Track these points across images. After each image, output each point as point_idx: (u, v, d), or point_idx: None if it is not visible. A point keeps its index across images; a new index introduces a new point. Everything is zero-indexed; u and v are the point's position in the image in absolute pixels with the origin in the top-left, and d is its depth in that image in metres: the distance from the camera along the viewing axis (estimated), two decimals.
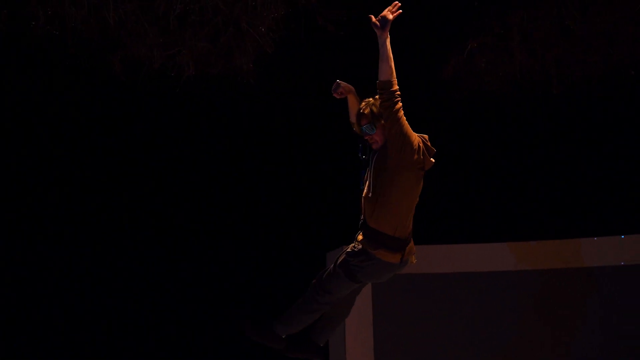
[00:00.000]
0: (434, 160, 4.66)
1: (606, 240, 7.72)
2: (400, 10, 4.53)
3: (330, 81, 4.92)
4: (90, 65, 7.23)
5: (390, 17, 4.49)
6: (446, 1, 7.91)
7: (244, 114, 8.30)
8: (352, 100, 4.87)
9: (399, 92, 4.50)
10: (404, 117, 4.52)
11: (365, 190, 4.65)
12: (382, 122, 4.54)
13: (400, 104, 4.50)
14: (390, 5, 4.55)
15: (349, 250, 4.67)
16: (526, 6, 7.63)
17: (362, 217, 4.69)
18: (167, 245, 8.33)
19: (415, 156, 4.56)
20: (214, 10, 6.80)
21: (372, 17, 4.51)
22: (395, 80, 4.49)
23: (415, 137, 4.58)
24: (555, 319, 7.68)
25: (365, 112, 4.61)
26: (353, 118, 4.85)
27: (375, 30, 4.48)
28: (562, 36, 7.78)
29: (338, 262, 4.69)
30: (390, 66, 4.47)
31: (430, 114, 8.30)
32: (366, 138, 4.66)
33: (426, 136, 4.69)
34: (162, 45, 7.07)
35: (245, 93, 7.69)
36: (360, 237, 4.63)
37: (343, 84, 4.86)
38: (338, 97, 4.87)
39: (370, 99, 4.67)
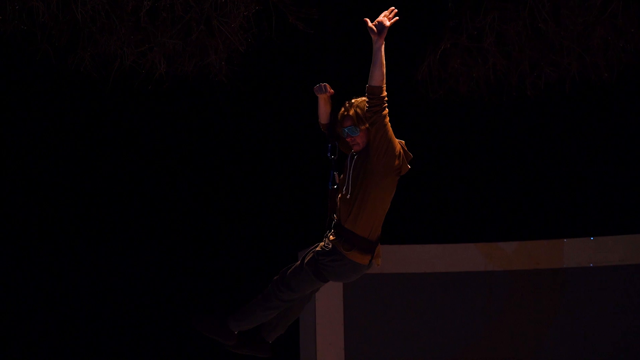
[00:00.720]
0: (410, 166, 4.72)
1: (576, 242, 7.75)
2: (397, 17, 4.55)
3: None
4: (60, 62, 7.16)
5: (388, 23, 4.51)
6: (420, 2, 7.90)
7: (216, 112, 8.26)
8: (324, 101, 4.84)
9: (387, 98, 4.56)
10: (389, 123, 4.58)
11: (342, 192, 4.68)
12: (367, 125, 4.58)
13: (387, 109, 4.56)
14: (380, 10, 4.57)
15: (318, 249, 4.70)
16: (499, 8, 7.63)
17: (335, 218, 4.72)
18: (138, 241, 8.27)
19: (397, 162, 4.63)
20: (184, 8, 6.76)
21: (368, 21, 4.53)
22: (385, 86, 4.55)
23: (397, 143, 4.65)
24: (524, 319, 7.70)
25: (350, 113, 4.66)
26: (324, 119, 4.86)
27: (372, 35, 4.51)
28: (534, 38, 7.80)
29: (306, 260, 4.72)
30: (383, 72, 4.51)
31: (405, 114, 8.31)
32: (347, 140, 4.70)
33: (403, 142, 4.75)
34: (132, 42, 7.01)
35: (218, 90, 7.65)
36: (332, 237, 4.67)
37: (329, 87, 4.83)
38: (318, 94, 4.83)
39: (354, 101, 4.72)
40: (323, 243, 4.71)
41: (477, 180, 8.58)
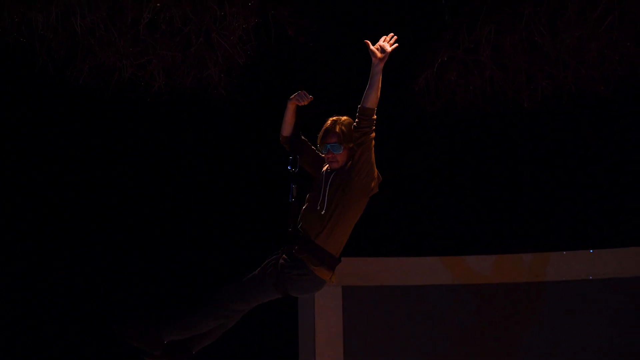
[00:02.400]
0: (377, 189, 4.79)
1: (551, 256, 7.82)
2: (397, 44, 4.62)
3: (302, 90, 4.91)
4: (59, 74, 7.17)
5: (389, 49, 4.58)
6: (417, 14, 7.95)
7: (215, 124, 8.27)
8: (293, 111, 4.85)
9: (376, 121, 4.64)
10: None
11: (313, 207, 4.66)
12: (351, 145, 4.64)
13: (374, 132, 4.64)
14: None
15: (282, 261, 4.64)
16: (495, 21, 7.68)
17: (301, 231, 4.68)
18: (123, 249, 8.24)
19: (373, 183, 4.70)
20: (183, 20, 6.79)
21: (369, 43, 4.60)
22: (376, 109, 4.62)
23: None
24: (498, 332, 7.74)
25: (336, 130, 4.67)
26: (287, 130, 4.86)
27: (373, 58, 4.58)
28: (531, 51, 7.85)
29: (267, 271, 4.65)
30: (378, 96, 4.59)
31: (402, 128, 8.35)
32: (327, 156, 4.71)
33: None
34: (132, 54, 7.03)
35: (216, 103, 7.67)
36: (299, 251, 4.63)
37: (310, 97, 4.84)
38: (298, 103, 4.83)
39: (337, 118, 4.74)
40: (284, 256, 4.66)
41: (476, 191, 8.60)
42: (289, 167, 4.79)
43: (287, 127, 4.87)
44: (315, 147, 4.92)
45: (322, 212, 4.61)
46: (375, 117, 4.62)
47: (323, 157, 4.88)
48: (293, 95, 4.84)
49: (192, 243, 8.34)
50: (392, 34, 4.65)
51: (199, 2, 6.55)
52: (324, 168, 4.83)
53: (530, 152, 8.64)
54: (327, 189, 4.65)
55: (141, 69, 7.26)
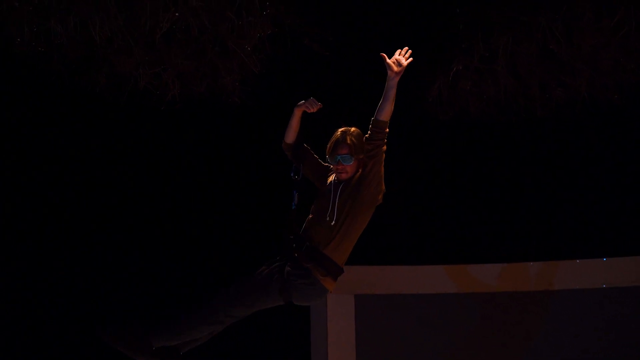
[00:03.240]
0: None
1: (559, 264, 7.81)
2: (412, 59, 4.66)
3: (316, 100, 4.91)
4: (75, 83, 7.20)
5: (404, 63, 4.61)
6: (432, 23, 7.95)
7: (229, 133, 8.28)
8: (299, 119, 4.86)
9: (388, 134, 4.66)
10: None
11: (323, 217, 4.67)
12: (362, 156, 4.67)
13: (386, 145, 4.67)
14: (395, 44, 4.62)
15: (288, 269, 4.62)
16: (511, 30, 7.68)
17: (307, 240, 4.66)
18: (128, 253, 8.25)
19: (380, 196, 4.73)
20: (199, 29, 6.81)
21: (386, 57, 4.63)
22: (389, 122, 4.64)
23: None
24: (506, 341, 7.73)
25: (348, 141, 4.68)
26: (291, 138, 4.87)
27: (389, 71, 4.60)
28: (546, 60, 7.84)
29: (273, 278, 4.63)
30: (392, 109, 4.62)
31: (415, 136, 8.35)
32: (337, 167, 4.71)
33: None
34: (147, 63, 7.05)
35: (231, 112, 7.68)
36: (306, 261, 4.62)
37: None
38: (307, 110, 4.85)
39: (346, 129, 4.77)
40: (289, 263, 4.64)
41: (487, 200, 8.60)
42: (291, 174, 4.80)
43: (292, 134, 4.90)
44: (318, 155, 4.93)
45: (332, 223, 4.63)
46: (387, 130, 4.64)
47: (325, 166, 4.92)
48: (302, 102, 4.85)
49: (198, 247, 8.34)
50: (407, 47, 4.68)
51: (217, 12, 6.56)
52: (331, 178, 4.84)
53: (541, 160, 8.63)
54: (337, 199, 4.65)
55: (156, 78, 7.27)
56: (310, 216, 4.77)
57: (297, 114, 4.87)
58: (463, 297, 7.82)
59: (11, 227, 7.97)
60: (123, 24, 6.55)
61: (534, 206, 8.59)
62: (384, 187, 4.74)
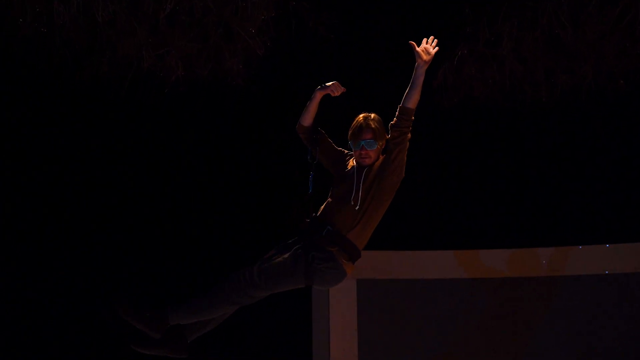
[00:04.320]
0: None
1: (567, 250, 7.79)
2: (438, 47, 4.67)
3: (320, 83, 4.88)
4: (78, 64, 7.17)
5: (432, 51, 4.64)
6: (437, 8, 7.91)
7: (233, 116, 8.25)
8: (317, 102, 4.83)
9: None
10: None
11: (346, 201, 4.65)
12: (383, 142, 4.70)
13: (410, 133, 4.69)
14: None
15: (313, 252, 4.61)
16: (517, 15, 7.64)
17: (327, 224, 4.66)
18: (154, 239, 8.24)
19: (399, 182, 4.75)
20: (203, 11, 6.78)
21: (415, 45, 4.63)
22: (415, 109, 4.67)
23: None
24: (513, 326, 7.72)
25: (371, 126, 4.69)
26: (308, 121, 4.84)
27: (418, 60, 4.61)
28: (551, 45, 7.80)
29: (298, 261, 4.61)
30: (419, 96, 4.63)
31: (420, 123, 8.30)
32: (361, 152, 4.70)
33: None
34: (151, 45, 7.03)
35: (235, 94, 7.65)
36: (330, 245, 4.62)
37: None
38: (332, 94, 4.81)
39: (367, 115, 4.76)
40: (313, 246, 4.61)
41: (497, 185, 8.57)
42: (308, 158, 4.77)
43: (310, 116, 4.84)
44: (332, 140, 4.92)
45: (357, 208, 4.63)
46: (413, 117, 4.65)
47: (339, 150, 4.90)
48: (325, 85, 4.80)
49: (198, 237, 8.33)
50: (432, 37, 4.67)
51: None
52: (351, 163, 4.82)
53: (547, 147, 8.61)
54: (361, 184, 4.66)
55: (160, 60, 7.25)
56: (329, 200, 4.76)
57: (318, 97, 4.81)
58: (468, 283, 7.80)
59: (17, 212, 7.97)
60: (126, 5, 6.51)
61: (539, 193, 8.57)
62: (404, 173, 4.76)
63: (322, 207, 4.75)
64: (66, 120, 8.05)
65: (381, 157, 4.74)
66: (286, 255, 4.63)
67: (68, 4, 6.62)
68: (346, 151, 4.89)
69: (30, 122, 7.95)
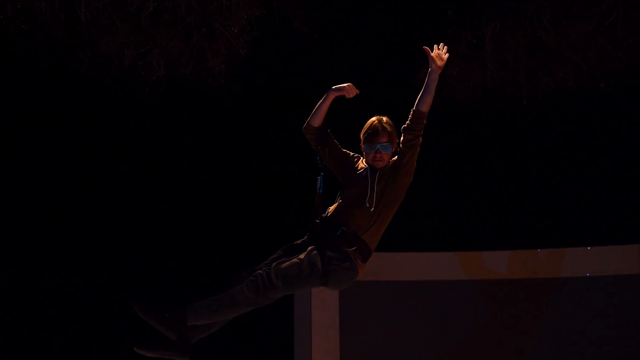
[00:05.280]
0: None
1: (561, 252, 7.81)
2: (448, 54, 4.83)
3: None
4: (59, 62, 7.11)
5: (444, 57, 4.81)
6: (419, 9, 7.92)
7: (215, 115, 8.22)
8: (330, 102, 4.85)
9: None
10: None
11: (361, 203, 4.69)
12: (398, 145, 4.75)
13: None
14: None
15: (330, 253, 4.62)
16: (499, 17, 7.67)
17: (341, 225, 4.68)
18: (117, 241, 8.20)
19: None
20: (186, 9, 6.74)
21: (429, 50, 4.77)
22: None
23: None
24: (509, 328, 7.73)
25: (387, 130, 4.74)
26: (319, 121, 4.84)
27: (432, 65, 4.76)
28: (533, 47, 7.84)
29: (314, 260, 4.59)
30: (432, 100, 4.75)
31: (401, 121, 8.30)
32: (376, 155, 4.74)
33: None
34: (132, 43, 6.98)
35: (217, 94, 7.62)
36: (347, 246, 4.65)
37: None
38: (347, 95, 4.84)
39: (380, 118, 4.80)
40: (330, 247, 4.63)
41: (476, 188, 8.59)
42: (317, 158, 4.79)
43: (320, 117, 4.84)
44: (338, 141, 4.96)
45: (372, 209, 4.67)
46: (425, 121, 4.73)
47: (345, 152, 4.93)
48: (339, 86, 4.82)
49: (184, 237, 8.29)
50: (442, 43, 4.81)
51: None
52: (362, 165, 4.87)
53: (531, 150, 8.63)
54: (375, 186, 4.70)
55: (141, 59, 7.20)
56: (341, 201, 4.78)
57: (331, 98, 4.82)
58: (452, 285, 7.81)
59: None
60: (109, 2, 6.46)
61: (523, 194, 8.60)
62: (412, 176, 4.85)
63: (333, 208, 4.79)
64: (48, 118, 7.98)
65: (392, 160, 4.78)
66: (302, 257, 4.61)
67: (50, 0, 6.55)
68: (351, 153, 4.94)
69: (11, 119, 7.88)
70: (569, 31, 7.51)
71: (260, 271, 4.57)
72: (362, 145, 4.80)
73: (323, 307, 7.76)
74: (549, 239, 8.19)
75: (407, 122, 4.73)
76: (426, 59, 4.55)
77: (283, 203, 8.34)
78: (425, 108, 4.70)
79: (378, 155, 4.73)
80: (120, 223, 8.17)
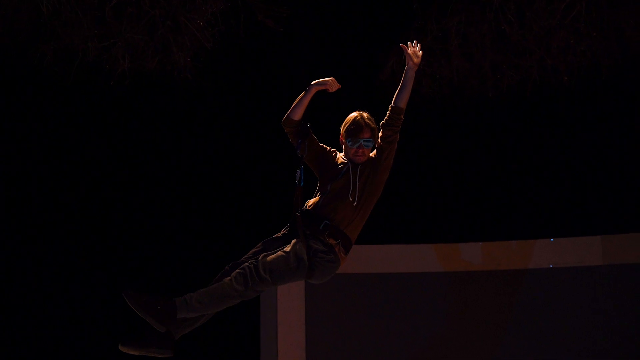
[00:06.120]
0: None
1: (533, 244, 7.86)
2: (422, 51, 4.92)
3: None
4: (22, 55, 7.03)
5: (420, 54, 4.89)
6: (386, 1, 7.94)
7: (180, 110, 8.18)
8: (311, 97, 4.87)
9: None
10: None
11: (344, 197, 4.74)
12: (379, 141, 4.81)
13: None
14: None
15: (315, 245, 4.66)
16: (464, 10, 7.70)
17: (323, 218, 4.72)
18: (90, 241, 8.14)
19: None
20: (151, 3, 6.69)
21: (406, 48, 4.85)
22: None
23: None
24: (483, 320, 7.77)
25: (371, 126, 4.81)
26: (299, 115, 4.84)
27: (410, 62, 4.83)
28: (498, 41, 7.88)
29: (300, 253, 4.63)
30: (409, 97, 4.83)
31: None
32: (358, 150, 4.79)
33: None
34: (96, 36, 6.91)
35: (182, 88, 7.58)
36: (330, 239, 4.69)
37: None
38: (329, 89, 4.87)
39: (361, 113, 4.86)
40: (314, 241, 4.66)
41: (443, 181, 8.63)
42: (297, 151, 4.81)
43: (301, 110, 4.84)
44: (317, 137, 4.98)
45: (355, 204, 4.74)
46: (403, 116, 4.80)
47: (321, 147, 4.94)
48: (321, 80, 4.85)
49: (157, 233, 8.26)
50: (415, 41, 4.91)
51: None
52: (341, 159, 4.91)
53: (499, 140, 8.69)
54: (357, 181, 4.77)
55: (105, 52, 7.14)
56: (323, 195, 4.81)
57: (313, 91, 4.83)
58: (419, 277, 7.84)
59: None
60: None
61: (487, 188, 8.65)
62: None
63: (314, 201, 4.82)
64: (13, 113, 7.90)
65: (372, 155, 4.84)
66: (287, 249, 4.65)
67: None
68: (328, 147, 4.96)
69: None
70: (533, 25, 7.56)
71: (247, 264, 4.60)
72: (344, 140, 4.85)
73: (289, 300, 7.75)
74: (514, 231, 8.26)
75: (386, 118, 4.80)
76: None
77: (257, 197, 8.33)
78: (402, 104, 4.78)
79: (360, 150, 4.80)
80: (88, 220, 8.11)
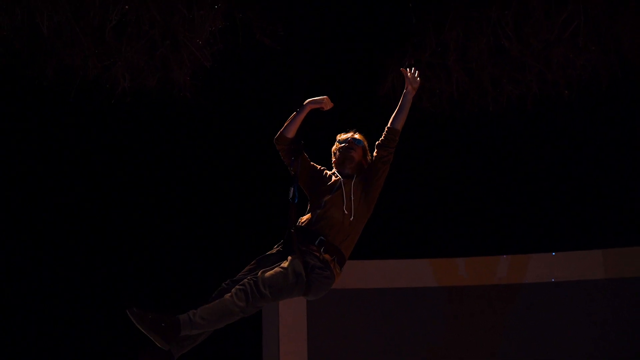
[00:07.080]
0: None
1: (534, 257, 7.86)
2: (419, 78, 5.11)
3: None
4: (23, 75, 7.07)
5: (418, 80, 5.10)
6: (384, 17, 7.96)
7: (180, 128, 8.21)
8: (305, 115, 4.96)
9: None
10: None
11: (339, 213, 4.82)
12: (368, 156, 5.03)
13: None
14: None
15: (312, 262, 4.70)
16: (462, 25, 7.72)
17: (319, 234, 4.77)
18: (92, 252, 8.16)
19: None
20: (150, 22, 6.73)
21: (405, 72, 5.06)
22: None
23: None
24: (479, 334, 7.77)
25: (361, 137, 5.08)
26: (292, 132, 4.91)
27: (409, 86, 5.03)
28: (497, 55, 7.90)
29: (302, 274, 4.65)
30: (405, 120, 5.02)
31: (366, 130, 8.32)
32: (347, 147, 4.99)
33: None
34: (97, 56, 6.96)
35: (182, 106, 7.62)
36: (326, 255, 4.74)
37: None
38: (323, 108, 5.02)
39: (354, 134, 5.08)
40: (311, 257, 4.70)
41: (444, 196, 8.63)
42: (290, 168, 4.89)
43: (295, 128, 4.96)
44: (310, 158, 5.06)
45: (351, 219, 4.81)
46: (398, 138, 4.96)
47: (312, 165, 5.04)
48: (316, 99, 4.98)
49: (151, 249, 8.27)
50: (414, 68, 5.09)
51: (168, 5, 6.51)
52: (334, 178, 4.99)
53: (499, 154, 8.69)
54: (352, 196, 4.84)
55: (106, 71, 7.18)
56: (318, 211, 4.86)
57: (307, 110, 4.98)
58: (417, 292, 7.84)
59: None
60: (72, 15, 6.43)
61: (488, 201, 8.65)
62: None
63: (307, 218, 4.87)
64: (14, 131, 7.94)
65: (364, 172, 4.98)
66: (285, 265, 4.66)
67: (11, 14, 6.52)
68: (319, 166, 5.06)
69: None
70: (531, 39, 7.58)
71: (247, 280, 4.60)
72: (335, 149, 5.03)
73: (291, 311, 7.76)
74: (513, 245, 8.25)
75: (382, 138, 4.94)
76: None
77: (252, 214, 8.34)
78: (399, 126, 4.93)
79: (350, 145, 4.96)
80: (83, 234, 8.13)
